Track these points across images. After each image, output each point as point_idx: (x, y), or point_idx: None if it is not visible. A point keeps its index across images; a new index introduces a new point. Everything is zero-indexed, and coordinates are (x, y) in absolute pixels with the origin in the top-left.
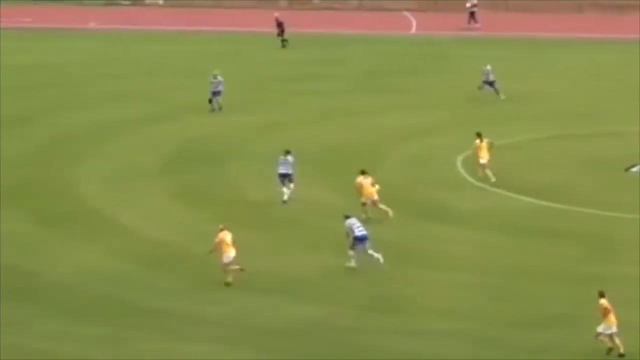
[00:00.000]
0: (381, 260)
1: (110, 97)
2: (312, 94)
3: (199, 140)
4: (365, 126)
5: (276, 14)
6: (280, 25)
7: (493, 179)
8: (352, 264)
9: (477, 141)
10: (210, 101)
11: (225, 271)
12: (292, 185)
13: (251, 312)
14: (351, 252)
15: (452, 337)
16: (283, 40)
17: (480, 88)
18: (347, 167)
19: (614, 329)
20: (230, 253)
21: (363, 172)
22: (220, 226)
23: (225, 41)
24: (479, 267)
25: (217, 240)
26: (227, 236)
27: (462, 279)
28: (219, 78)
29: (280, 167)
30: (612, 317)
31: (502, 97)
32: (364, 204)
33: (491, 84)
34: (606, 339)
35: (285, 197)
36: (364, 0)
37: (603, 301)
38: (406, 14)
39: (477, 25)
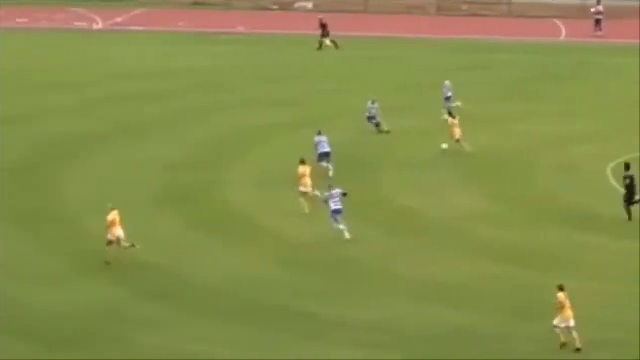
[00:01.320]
0: (347, 236)
1: (258, 102)
2: (461, 100)
3: (347, 146)
4: (513, 133)
5: (320, 16)
6: (324, 27)
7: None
8: (346, 235)
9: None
10: (377, 125)
11: (109, 250)
12: None
13: (398, 318)
14: (336, 226)
15: (598, 347)
16: (332, 42)
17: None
18: (496, 173)
19: (571, 323)
20: (117, 232)
21: (303, 162)
22: (109, 206)
23: (374, 46)
24: (627, 276)
25: (108, 219)
26: (115, 217)
27: (609, 288)
28: (376, 105)
29: None
30: (568, 312)
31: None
32: (303, 193)
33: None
34: (561, 332)
35: None
36: (514, 4)
37: (560, 295)
38: (556, 21)
39: (601, 33)
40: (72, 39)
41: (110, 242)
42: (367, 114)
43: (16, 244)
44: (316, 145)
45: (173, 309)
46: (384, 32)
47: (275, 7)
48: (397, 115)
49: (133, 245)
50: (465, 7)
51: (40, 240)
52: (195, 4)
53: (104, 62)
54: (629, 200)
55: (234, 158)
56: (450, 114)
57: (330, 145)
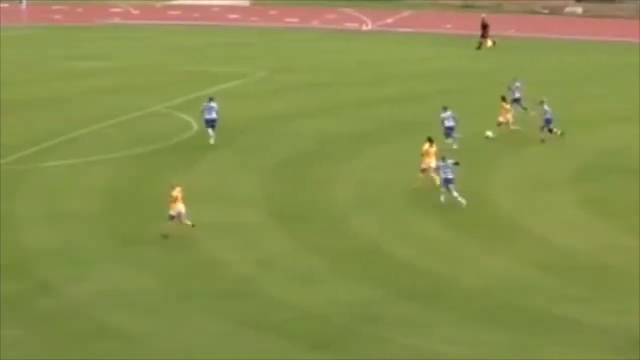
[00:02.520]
0: (464, 203)
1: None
2: None
3: (613, 151)
4: None
5: (483, 15)
6: (485, 27)
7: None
8: (442, 199)
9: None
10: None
11: (170, 224)
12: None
13: None
14: (443, 189)
15: None
16: (492, 42)
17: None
18: None
19: None
20: (178, 208)
21: (430, 140)
22: (173, 182)
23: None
24: None
25: (172, 194)
26: (178, 194)
27: None
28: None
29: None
30: None
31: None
32: (423, 170)
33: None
34: None
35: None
36: None
37: None
38: None
39: None
40: (341, 39)
41: (171, 217)
42: (544, 117)
43: (279, 241)
44: (442, 120)
45: (430, 309)
46: None
47: (546, 10)
48: None
49: (193, 226)
50: None
51: (303, 238)
52: (465, 6)
53: (371, 63)
54: None
55: (498, 159)
56: (504, 99)
57: (455, 119)
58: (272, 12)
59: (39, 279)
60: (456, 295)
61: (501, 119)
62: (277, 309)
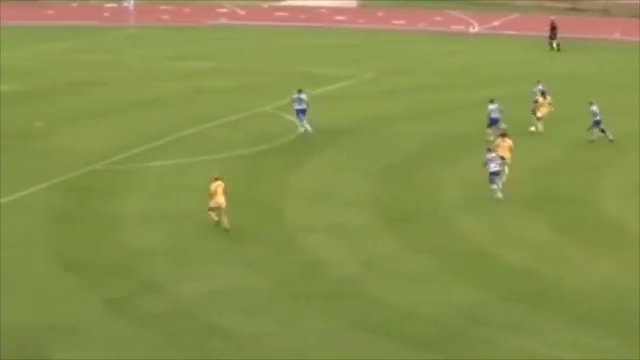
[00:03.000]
0: (500, 196)
1: (628, 109)
2: None
3: None
4: None
5: (552, 17)
6: (553, 29)
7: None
8: (499, 195)
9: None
10: (602, 131)
11: (211, 215)
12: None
13: None
14: (493, 187)
15: None
16: (557, 45)
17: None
18: None
19: None
20: (218, 200)
21: (503, 135)
22: (215, 176)
23: None
24: None
25: (211, 189)
26: (219, 187)
27: None
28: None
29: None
30: None
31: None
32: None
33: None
34: None
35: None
36: None
37: None
38: None
39: None
40: (448, 41)
41: (211, 209)
42: (594, 119)
43: (385, 242)
44: (490, 112)
45: (535, 312)
46: None
47: None
48: None
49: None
50: None
51: (409, 239)
52: (572, 9)
53: (476, 66)
54: None
55: (605, 163)
56: (543, 93)
57: (501, 112)
58: (380, 13)
59: (146, 279)
60: (561, 298)
61: (539, 114)
62: (384, 309)
